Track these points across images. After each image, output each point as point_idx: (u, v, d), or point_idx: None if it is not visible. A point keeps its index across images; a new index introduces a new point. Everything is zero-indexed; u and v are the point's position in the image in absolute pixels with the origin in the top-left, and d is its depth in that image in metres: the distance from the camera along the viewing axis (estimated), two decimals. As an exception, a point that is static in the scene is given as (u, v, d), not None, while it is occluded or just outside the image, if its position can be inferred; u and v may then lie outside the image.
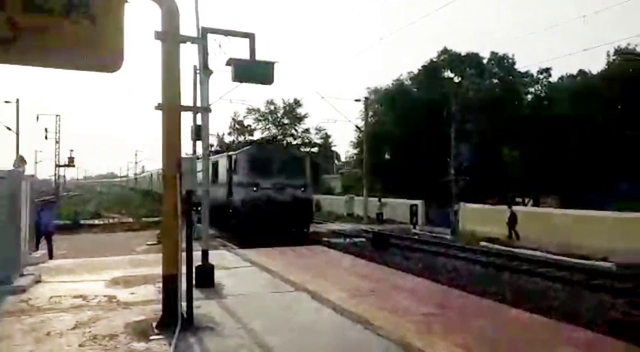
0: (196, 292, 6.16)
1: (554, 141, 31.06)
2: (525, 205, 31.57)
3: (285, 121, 53.34)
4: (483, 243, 19.12)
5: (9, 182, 7.57)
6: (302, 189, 19.27)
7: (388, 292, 7.02)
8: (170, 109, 5.62)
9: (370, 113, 38.80)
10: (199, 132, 8.32)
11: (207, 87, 7.90)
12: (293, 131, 53.64)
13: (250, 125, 54.92)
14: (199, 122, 8.25)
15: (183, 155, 5.79)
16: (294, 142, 50.10)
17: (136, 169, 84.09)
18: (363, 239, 19.61)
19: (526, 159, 32.22)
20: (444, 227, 25.01)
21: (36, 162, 46.22)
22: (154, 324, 5.41)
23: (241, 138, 51.20)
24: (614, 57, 34.29)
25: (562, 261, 14.47)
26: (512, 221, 20.68)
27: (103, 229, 23.59)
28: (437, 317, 5.81)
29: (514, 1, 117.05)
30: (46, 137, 42.47)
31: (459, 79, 40.22)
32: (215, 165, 21.95)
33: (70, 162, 47.24)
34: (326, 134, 55.43)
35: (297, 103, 53.03)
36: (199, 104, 7.98)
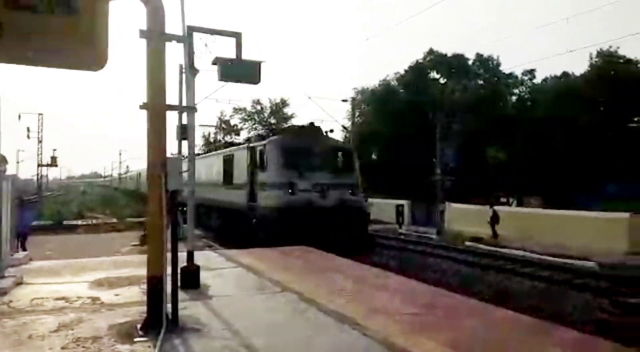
0: (181, 294, 6.10)
1: (538, 142, 31.48)
2: (509, 205, 31.96)
3: (272, 121, 53.25)
4: (468, 243, 19.30)
5: (-10, 182, 7.43)
6: (351, 190, 15.14)
7: (373, 292, 7.03)
8: (156, 108, 5.56)
9: (357, 113, 38.94)
10: (184, 132, 8.25)
11: (193, 86, 7.85)
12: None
13: (236, 125, 54.77)
14: (184, 121, 8.19)
15: (168, 155, 5.75)
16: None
17: (120, 169, 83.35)
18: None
19: (511, 159, 32.62)
20: (430, 227, 25.19)
21: (18, 162, 45.69)
22: (139, 326, 5.34)
23: (227, 138, 50.98)
24: (596, 59, 34.87)
25: (545, 260, 14.67)
26: (494, 220, 20.92)
27: (86, 230, 23.30)
28: (423, 317, 5.83)
29: (498, 3, 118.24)
30: (28, 137, 41.99)
31: (445, 80, 40.55)
32: (228, 161, 18.14)
33: (53, 162, 46.77)
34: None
35: (284, 103, 53.01)
36: (184, 103, 7.92)
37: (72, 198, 53.94)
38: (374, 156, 42.20)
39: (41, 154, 42.99)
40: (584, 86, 32.85)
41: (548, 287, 11.21)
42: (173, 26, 6.85)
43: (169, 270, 5.51)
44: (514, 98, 41.33)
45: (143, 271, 5.72)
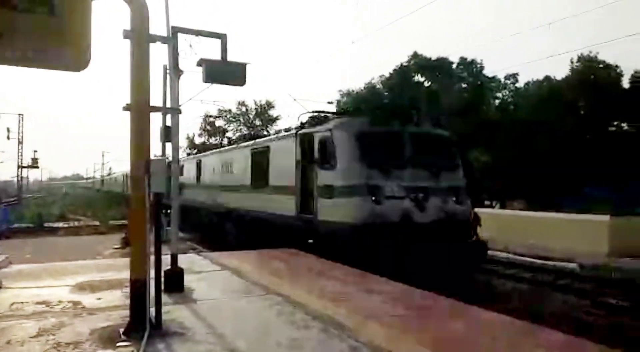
0: (165, 297, 6.04)
1: (521, 145, 31.88)
2: (492, 208, 32.28)
3: (258, 123, 53.08)
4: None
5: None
6: (457, 197, 11.10)
7: (361, 295, 7.02)
8: (139, 109, 5.50)
9: (342, 116, 38.98)
10: (168, 134, 8.18)
11: (177, 87, 7.79)
12: (265, 133, 53.45)
13: (221, 126, 54.47)
14: (168, 123, 8.12)
15: (152, 157, 5.69)
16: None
17: (103, 171, 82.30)
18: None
19: (495, 162, 32.97)
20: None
21: (-3, 163, 44.78)
22: (121, 330, 5.27)
23: (212, 139, 50.74)
24: (577, 64, 35.49)
25: (527, 261, 14.83)
26: (475, 222, 21.02)
27: (68, 232, 22.89)
28: (409, 318, 5.84)
29: (483, 7, 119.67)
30: (8, 138, 41.39)
31: (429, 83, 40.88)
32: (260, 155, 13.98)
33: (34, 163, 46.09)
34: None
35: (269, 105, 52.88)
36: (168, 104, 7.85)
37: (54, 200, 53.05)
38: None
39: (22, 155, 42.42)
40: (566, 90, 33.41)
41: (532, 288, 11.33)
42: (157, 27, 6.80)
43: (152, 273, 5.44)
44: (497, 102, 41.85)
45: (125, 274, 5.65)
